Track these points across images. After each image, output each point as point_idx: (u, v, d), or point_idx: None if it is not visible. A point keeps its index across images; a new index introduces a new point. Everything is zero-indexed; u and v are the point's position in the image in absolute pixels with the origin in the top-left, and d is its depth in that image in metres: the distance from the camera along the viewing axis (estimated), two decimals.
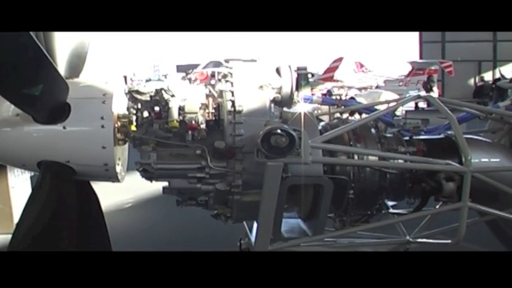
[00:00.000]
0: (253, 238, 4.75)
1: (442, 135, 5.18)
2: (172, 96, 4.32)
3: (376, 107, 5.55)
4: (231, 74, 4.44)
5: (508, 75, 32.34)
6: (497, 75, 35.78)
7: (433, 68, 32.71)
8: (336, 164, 4.60)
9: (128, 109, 4.42)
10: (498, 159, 5.02)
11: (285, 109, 4.61)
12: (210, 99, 4.42)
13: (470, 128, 6.44)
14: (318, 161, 4.36)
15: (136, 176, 4.55)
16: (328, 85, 29.29)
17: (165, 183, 4.58)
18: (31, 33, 3.51)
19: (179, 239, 8.36)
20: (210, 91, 4.45)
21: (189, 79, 4.56)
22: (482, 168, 4.74)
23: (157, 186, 4.66)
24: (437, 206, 5.01)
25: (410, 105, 22.92)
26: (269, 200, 4.23)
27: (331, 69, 33.66)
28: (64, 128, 4.20)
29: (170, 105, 4.31)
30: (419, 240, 5.60)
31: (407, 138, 4.94)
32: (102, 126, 4.22)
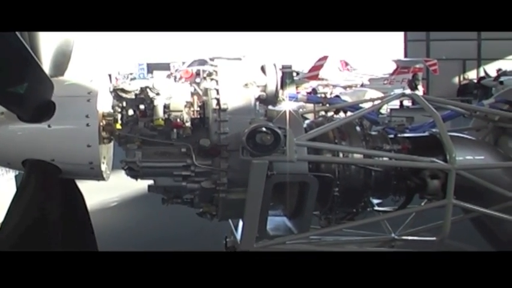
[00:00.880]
0: (238, 236, 4.75)
1: (426, 133, 5.20)
2: (158, 94, 4.32)
3: (361, 105, 5.53)
4: (216, 72, 4.44)
5: (492, 74, 32.60)
6: (482, 74, 35.97)
7: (417, 66, 32.78)
8: (321, 162, 4.61)
9: (113, 107, 4.41)
10: (482, 157, 5.04)
11: (270, 107, 4.61)
12: (195, 98, 4.42)
13: (455, 126, 6.45)
14: (303, 158, 4.37)
15: (121, 175, 4.54)
16: (313, 83, 29.23)
17: (151, 182, 4.57)
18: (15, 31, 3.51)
19: (165, 238, 8.36)
20: (195, 89, 4.45)
21: (174, 77, 4.55)
22: (466, 166, 4.76)
23: (143, 185, 4.65)
24: (423, 204, 5.03)
25: (395, 104, 22.97)
26: (254, 198, 4.24)
27: (316, 67, 33.66)
28: (49, 126, 4.18)
29: (155, 103, 4.30)
30: (404, 237, 5.63)
31: (392, 136, 4.95)
32: (87, 125, 4.21)
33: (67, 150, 4.23)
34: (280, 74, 4.58)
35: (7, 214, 4.04)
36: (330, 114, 5.33)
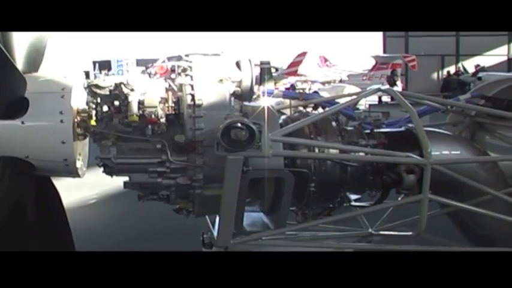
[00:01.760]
0: (215, 232, 4.74)
1: (403, 128, 5.20)
2: (132, 90, 4.29)
3: (338, 100, 5.54)
4: (190, 67, 4.42)
5: (470, 70, 32.81)
6: (460, 70, 36.22)
7: (396, 62, 32.95)
8: (297, 157, 4.60)
9: (88, 103, 4.38)
10: (458, 152, 5.05)
11: (245, 103, 4.60)
12: (170, 93, 4.40)
13: (433, 121, 6.49)
14: (279, 154, 4.35)
15: (100, 172, 4.52)
16: (291, 79, 29.33)
17: (126, 178, 4.56)
18: None
19: (144, 234, 8.35)
20: (169, 85, 4.42)
21: (149, 73, 4.53)
22: (442, 161, 4.77)
23: (122, 182, 4.64)
24: (400, 198, 5.04)
25: (374, 99, 23.08)
26: (230, 194, 4.22)
27: (295, 63, 33.79)
28: (22, 123, 4.17)
29: (130, 99, 4.28)
30: (382, 232, 5.64)
31: (368, 131, 4.95)
32: (61, 121, 4.20)
33: (41, 147, 4.21)
34: (255, 69, 4.57)
35: None
36: (309, 109, 5.33)
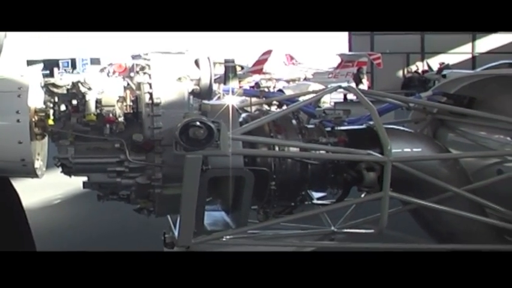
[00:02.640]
0: (177, 232, 4.71)
1: (364, 126, 5.21)
2: (89, 89, 4.26)
3: (299, 98, 5.55)
4: (149, 66, 4.39)
5: (435, 67, 33.11)
6: (425, 67, 36.52)
7: (362, 60, 33.12)
8: (257, 156, 4.59)
9: (45, 103, 4.33)
10: (420, 149, 5.07)
11: (204, 101, 4.57)
12: (128, 92, 4.36)
13: (399, 119, 6.52)
14: (238, 152, 4.34)
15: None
16: (256, 77, 29.35)
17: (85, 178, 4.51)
18: None
19: (109, 235, 8.28)
20: (128, 83, 4.39)
21: (107, 72, 4.49)
22: (403, 158, 4.78)
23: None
24: (362, 196, 5.05)
25: (339, 97, 23.15)
26: (190, 193, 4.19)
27: (261, 61, 33.82)
28: None
29: (87, 98, 4.25)
30: (344, 230, 5.64)
31: (329, 129, 4.94)
32: (18, 121, 4.15)
33: None
34: (214, 68, 4.56)
35: None
36: (274, 108, 5.33)
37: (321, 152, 4.70)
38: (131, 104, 4.34)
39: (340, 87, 5.58)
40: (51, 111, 4.32)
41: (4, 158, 4.18)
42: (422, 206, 4.89)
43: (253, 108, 5.46)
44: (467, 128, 5.64)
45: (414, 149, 5.07)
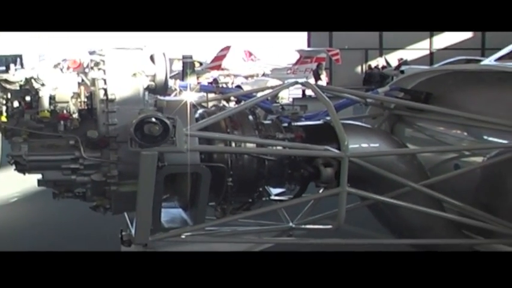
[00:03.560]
0: (134, 229, 4.67)
1: (321, 121, 5.21)
2: (43, 85, 4.21)
3: (258, 94, 5.53)
4: (103, 61, 4.34)
5: (393, 63, 33.37)
6: (383, 63, 36.76)
7: (320, 56, 33.21)
8: (213, 152, 4.56)
9: None
10: (377, 144, 5.08)
11: (159, 97, 4.54)
12: (82, 88, 4.32)
13: (358, 114, 6.53)
14: (194, 149, 4.31)
15: None
16: (215, 73, 29.32)
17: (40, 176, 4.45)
18: None
19: (65, 233, 8.18)
20: (82, 79, 4.35)
21: (61, 67, 4.43)
22: (360, 153, 4.80)
23: None
24: (320, 191, 5.04)
25: (298, 93, 23.20)
26: (146, 190, 4.17)
27: (219, 57, 33.71)
28: None
29: (40, 94, 4.20)
30: (302, 226, 5.65)
31: (286, 124, 4.93)
32: None
33: None
34: (169, 62, 4.53)
35: None
36: (232, 104, 5.30)
37: (278, 147, 4.69)
38: (86, 100, 4.29)
39: (297, 82, 5.59)
40: (4, 108, 4.26)
41: None
42: (380, 201, 4.90)
43: (210, 104, 5.43)
44: (424, 124, 5.69)
45: (371, 144, 5.09)
